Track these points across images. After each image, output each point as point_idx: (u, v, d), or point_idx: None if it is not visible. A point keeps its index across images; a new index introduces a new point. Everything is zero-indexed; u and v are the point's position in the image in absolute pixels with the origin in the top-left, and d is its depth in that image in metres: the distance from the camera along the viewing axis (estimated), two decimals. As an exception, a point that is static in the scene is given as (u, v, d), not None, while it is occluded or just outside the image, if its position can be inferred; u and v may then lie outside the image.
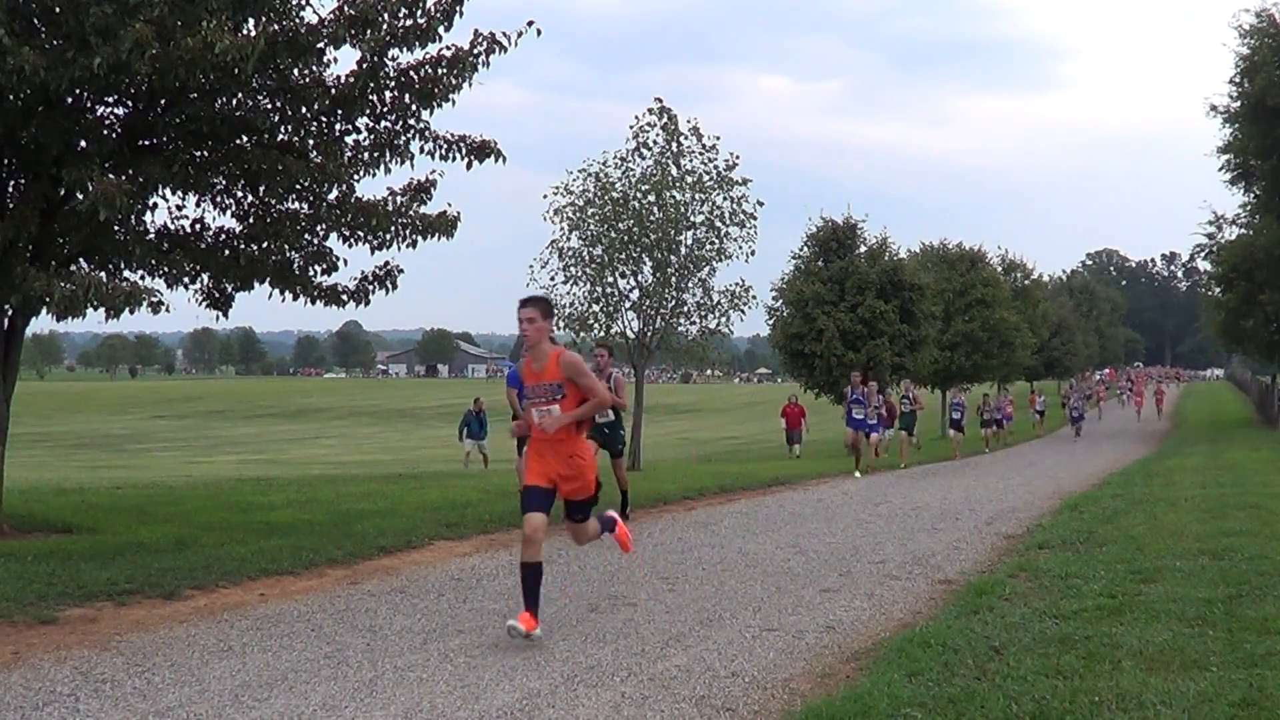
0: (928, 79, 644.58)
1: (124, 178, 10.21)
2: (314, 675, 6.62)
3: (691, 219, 25.55)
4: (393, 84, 11.52)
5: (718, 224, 25.69)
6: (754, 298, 26.92)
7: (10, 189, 11.00)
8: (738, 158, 25.86)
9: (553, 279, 25.41)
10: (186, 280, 12.28)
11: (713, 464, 29.65)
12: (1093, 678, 6.12)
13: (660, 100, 25.74)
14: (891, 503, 17.56)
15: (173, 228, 12.20)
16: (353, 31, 10.85)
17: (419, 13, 11.15)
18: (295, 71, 11.19)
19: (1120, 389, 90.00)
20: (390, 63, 11.41)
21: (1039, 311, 62.47)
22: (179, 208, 12.18)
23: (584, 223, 25.25)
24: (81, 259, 11.63)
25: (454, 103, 11.70)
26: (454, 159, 12.10)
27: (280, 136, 11.63)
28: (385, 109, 11.69)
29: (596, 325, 25.50)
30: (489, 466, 31.19)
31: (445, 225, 12.37)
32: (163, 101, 10.96)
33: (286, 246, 12.30)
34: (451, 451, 45.12)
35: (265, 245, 12.21)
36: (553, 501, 7.86)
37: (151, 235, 11.92)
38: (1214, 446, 34.71)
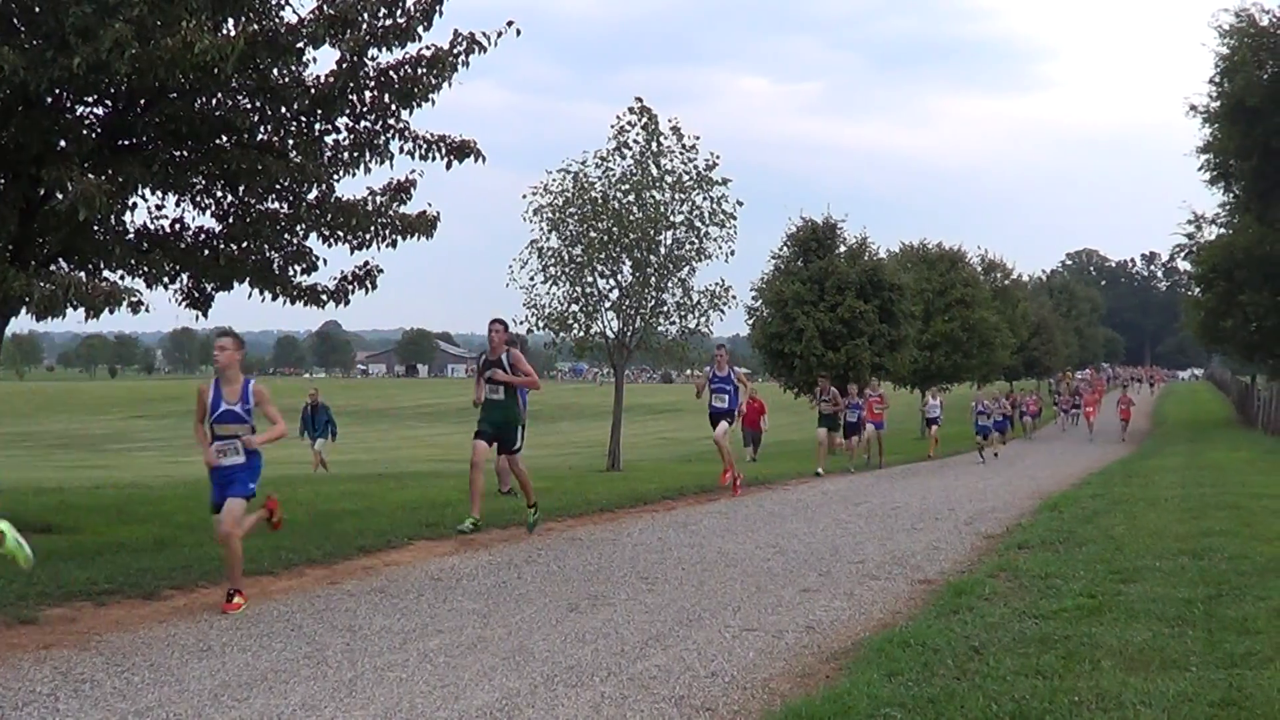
0: (907, 79, 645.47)
1: (103, 177, 10.19)
2: (293, 675, 6.61)
3: (671, 219, 25.50)
4: (372, 84, 11.52)
5: (697, 224, 25.65)
6: (734, 297, 26.89)
7: (-11, 189, 10.95)
8: (718, 158, 25.85)
9: (532, 279, 25.34)
10: (166, 280, 12.26)
11: (693, 464, 29.61)
12: (1072, 677, 6.15)
13: (640, 100, 25.71)
14: (870, 503, 17.59)
15: (152, 227, 12.19)
16: (332, 31, 10.84)
17: (398, 12, 11.16)
18: (275, 71, 11.17)
19: (1060, 405, 59.40)
20: (370, 62, 11.41)
21: (1019, 311, 62.70)
22: (158, 207, 12.20)
23: (563, 222, 25.19)
24: (61, 259, 11.61)
25: (434, 102, 11.71)
26: (434, 159, 12.11)
27: (260, 136, 11.61)
28: (365, 109, 11.68)
29: (576, 325, 25.46)
30: (326, 469, 27.20)
31: (425, 225, 12.38)
32: (142, 101, 10.94)
33: (266, 246, 12.31)
34: (433, 451, 45.12)
35: (245, 245, 12.21)
36: None
37: (131, 235, 11.90)
38: (1194, 447, 34.89)
